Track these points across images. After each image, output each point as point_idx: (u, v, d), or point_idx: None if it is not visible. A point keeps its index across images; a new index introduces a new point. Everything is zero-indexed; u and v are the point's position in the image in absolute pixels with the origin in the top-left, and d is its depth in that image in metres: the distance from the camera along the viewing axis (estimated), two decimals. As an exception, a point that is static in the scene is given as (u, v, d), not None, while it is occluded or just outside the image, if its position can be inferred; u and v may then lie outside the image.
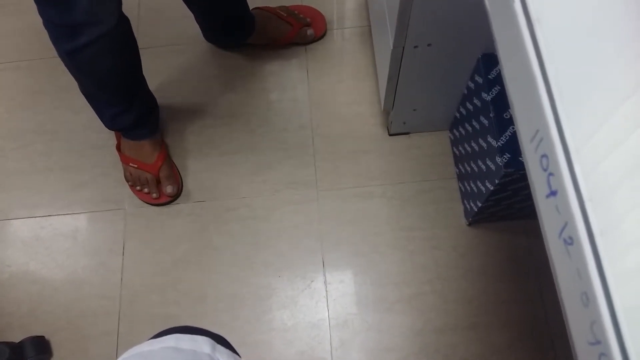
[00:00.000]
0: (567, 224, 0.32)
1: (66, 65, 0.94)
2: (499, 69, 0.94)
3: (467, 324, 1.07)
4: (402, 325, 1.06)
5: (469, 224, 1.14)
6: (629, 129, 0.32)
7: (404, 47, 0.92)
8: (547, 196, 0.34)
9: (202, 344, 0.47)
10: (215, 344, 0.48)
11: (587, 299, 0.29)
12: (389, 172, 1.19)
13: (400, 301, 1.08)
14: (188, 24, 1.26)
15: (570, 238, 0.31)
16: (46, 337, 1.06)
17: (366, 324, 1.07)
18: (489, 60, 0.95)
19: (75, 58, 0.90)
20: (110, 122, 1.09)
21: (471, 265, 1.11)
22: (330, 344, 1.05)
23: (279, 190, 1.18)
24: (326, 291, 1.09)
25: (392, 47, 0.92)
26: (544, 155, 0.34)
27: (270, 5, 1.31)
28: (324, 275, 1.11)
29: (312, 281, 1.10)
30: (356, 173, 1.19)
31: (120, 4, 0.88)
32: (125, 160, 1.15)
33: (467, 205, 1.12)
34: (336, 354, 1.05)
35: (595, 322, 0.28)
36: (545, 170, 0.34)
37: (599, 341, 0.28)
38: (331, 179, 1.19)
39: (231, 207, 1.17)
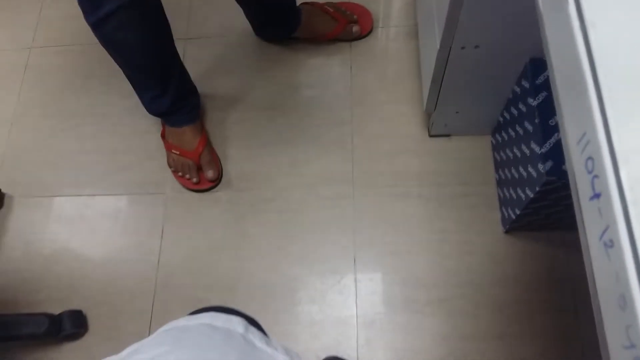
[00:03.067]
0: (609, 227, 0.31)
1: (98, 39, 0.98)
2: (547, 74, 0.92)
3: (496, 332, 1.05)
4: (430, 328, 1.06)
5: (506, 232, 1.12)
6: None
7: (450, 48, 0.91)
8: (591, 199, 0.33)
9: (236, 323, 0.48)
10: (249, 325, 0.49)
11: (625, 302, 0.29)
12: (426, 173, 1.18)
13: (430, 304, 1.08)
14: (237, 17, 1.29)
15: (611, 241, 0.31)
16: (84, 311, 1.11)
17: (393, 324, 1.06)
18: (537, 65, 0.93)
19: (99, 30, 0.93)
20: (149, 105, 1.13)
21: (505, 273, 1.09)
22: (357, 341, 1.06)
23: (315, 184, 1.19)
24: (356, 288, 1.10)
25: (438, 48, 0.91)
26: (589, 158, 0.33)
27: (318, 1, 1.32)
28: (355, 272, 1.11)
29: (342, 277, 1.11)
30: (393, 172, 1.19)
31: None
32: (168, 147, 1.18)
33: (505, 213, 1.10)
34: (362, 351, 1.05)
35: (631, 325, 0.28)
36: (590, 172, 0.33)
37: (634, 345, 0.27)
38: (368, 176, 1.19)
39: (268, 197, 1.19)
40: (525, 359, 1.02)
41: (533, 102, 0.92)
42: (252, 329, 0.49)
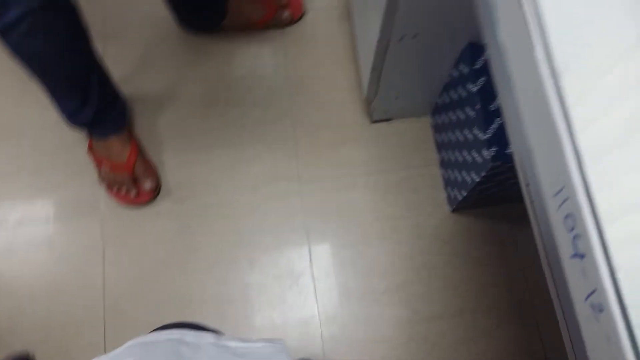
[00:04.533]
0: (596, 290, 0.31)
1: (6, 48, 0.87)
2: (485, 59, 0.92)
3: (454, 310, 1.08)
4: (390, 316, 1.07)
5: (453, 211, 1.15)
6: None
7: (389, 38, 0.88)
8: (572, 257, 0.33)
9: (206, 336, 0.49)
10: (220, 335, 0.51)
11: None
12: (371, 161, 1.17)
13: (388, 292, 1.09)
14: (157, 8, 1.19)
15: (601, 305, 0.30)
16: (30, 353, 1.02)
17: (355, 317, 1.07)
18: (475, 50, 0.93)
19: (7, 38, 0.83)
20: (69, 117, 1.03)
21: (455, 251, 1.12)
22: (322, 338, 1.05)
23: (260, 184, 1.15)
24: (314, 286, 1.09)
25: (377, 39, 0.89)
26: (568, 215, 0.32)
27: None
28: (311, 269, 1.10)
29: (299, 277, 1.09)
30: (338, 163, 1.17)
31: None
32: (97, 161, 1.09)
33: (451, 194, 1.12)
34: (327, 347, 1.05)
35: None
36: (570, 231, 0.32)
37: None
38: (313, 170, 1.16)
39: (212, 203, 1.13)
40: (484, 331, 1.06)
41: (473, 87, 0.92)
42: (225, 336, 0.51)
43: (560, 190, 0.33)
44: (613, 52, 0.33)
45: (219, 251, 1.10)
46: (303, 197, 1.14)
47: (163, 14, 1.20)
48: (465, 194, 1.04)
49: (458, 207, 1.13)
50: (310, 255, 1.10)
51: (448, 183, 1.14)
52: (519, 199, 0.42)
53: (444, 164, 1.15)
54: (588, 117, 0.32)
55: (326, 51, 1.26)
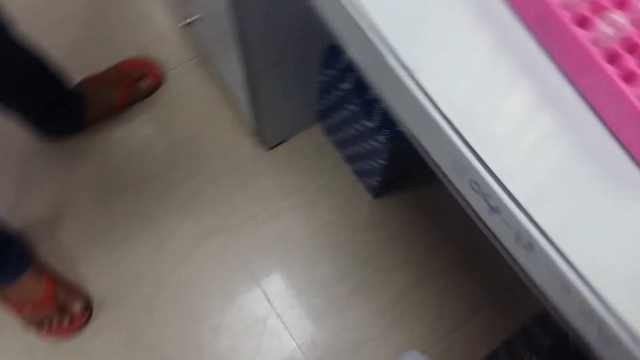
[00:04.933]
0: (520, 231, 0.35)
1: None
2: (347, 57, 0.97)
3: (413, 281, 1.13)
4: (363, 313, 1.10)
5: (375, 197, 1.19)
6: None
7: (255, 73, 0.91)
8: (490, 213, 0.36)
9: None
10: None
11: (568, 289, 0.32)
12: (284, 184, 1.19)
13: (351, 293, 1.11)
14: (10, 128, 1.12)
15: (530, 245, 0.34)
16: None
17: (332, 331, 1.08)
18: (336, 52, 0.97)
19: None
20: None
21: (392, 231, 1.17)
22: (311, 367, 1.06)
23: (191, 253, 1.13)
24: (283, 322, 1.09)
25: (245, 76, 0.91)
26: (472, 181, 0.36)
27: (94, 72, 1.20)
28: (274, 308, 1.09)
29: (266, 321, 1.08)
30: (256, 198, 1.18)
31: None
32: (15, 308, 1.01)
33: (367, 182, 1.17)
34: (319, 373, 1.06)
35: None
36: (478, 193, 0.36)
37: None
38: (236, 215, 1.16)
39: (152, 293, 1.09)
40: (448, 288, 1.12)
41: (346, 85, 0.97)
42: None
43: (455, 162, 0.37)
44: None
45: (180, 338, 1.06)
46: (237, 243, 1.14)
47: (19, 133, 1.14)
48: (379, 179, 1.09)
49: (380, 192, 1.18)
50: (266, 295, 1.10)
51: (361, 174, 1.18)
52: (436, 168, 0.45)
53: (350, 160, 1.19)
54: (446, 90, 0.36)
55: (199, 103, 1.26)
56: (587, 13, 0.37)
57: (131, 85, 1.21)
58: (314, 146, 1.23)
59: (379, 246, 1.16)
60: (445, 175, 0.40)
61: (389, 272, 1.14)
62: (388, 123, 0.94)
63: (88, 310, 1.05)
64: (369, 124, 0.95)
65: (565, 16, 0.36)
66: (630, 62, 0.35)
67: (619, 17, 0.37)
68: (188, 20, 1.02)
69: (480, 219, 0.39)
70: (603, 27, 0.36)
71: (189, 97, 1.27)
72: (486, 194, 0.35)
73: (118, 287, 1.09)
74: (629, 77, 0.35)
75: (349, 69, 0.96)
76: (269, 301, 1.10)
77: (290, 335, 1.08)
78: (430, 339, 1.09)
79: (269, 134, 1.17)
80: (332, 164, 1.22)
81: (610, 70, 0.35)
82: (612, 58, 0.36)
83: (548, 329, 0.83)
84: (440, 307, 1.11)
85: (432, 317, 1.10)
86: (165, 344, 1.06)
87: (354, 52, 0.42)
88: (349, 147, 1.15)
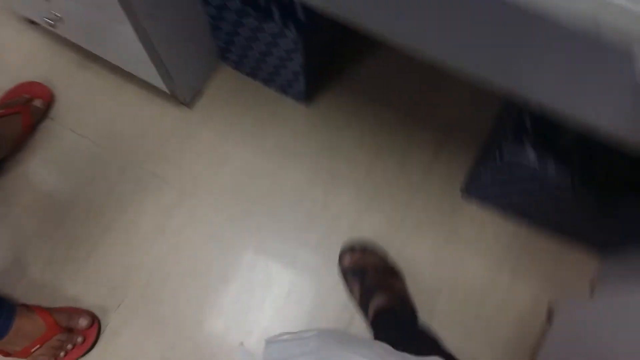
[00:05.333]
0: None
1: None
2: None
3: (372, 156, 1.18)
4: (345, 202, 1.14)
5: (307, 105, 1.22)
6: None
7: (142, 25, 0.89)
8: None
9: None
10: None
11: None
12: (221, 130, 1.20)
13: (326, 193, 1.15)
14: None
15: None
16: None
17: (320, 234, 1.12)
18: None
19: None
20: None
21: (336, 124, 1.20)
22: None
23: (164, 225, 1.12)
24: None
25: (134, 32, 0.89)
26: None
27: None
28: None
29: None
30: (200, 155, 1.18)
31: None
32: (24, 351, 0.96)
33: (294, 93, 1.19)
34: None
35: None
36: None
37: None
38: (188, 178, 1.16)
39: (146, 278, 1.08)
40: (397, 160, 1.18)
41: (233, 3, 0.97)
42: None
43: None
44: None
45: (192, 298, 1.06)
46: (201, 200, 1.14)
47: None
48: (304, 80, 1.11)
49: (310, 98, 1.21)
50: (251, 232, 1.12)
51: (285, 89, 1.20)
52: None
53: (270, 80, 1.20)
54: None
55: (104, 95, 1.23)
56: None
57: (27, 110, 1.16)
58: (230, 85, 1.23)
59: (331, 139, 1.19)
60: None
61: (349, 156, 1.18)
62: (291, 17, 0.95)
63: (96, 321, 1.03)
64: (274, 26, 0.96)
65: None
66: None
67: None
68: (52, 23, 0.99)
69: None
70: None
71: (90, 94, 1.23)
72: None
73: (112, 289, 1.07)
74: None
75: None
76: (259, 235, 1.12)
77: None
78: (406, 194, 1.15)
79: (184, 88, 1.16)
80: (255, 91, 1.23)
81: None
82: None
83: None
84: (403, 165, 1.18)
85: (400, 177, 1.16)
86: (182, 311, 1.06)
87: None
88: (262, 68, 1.16)
